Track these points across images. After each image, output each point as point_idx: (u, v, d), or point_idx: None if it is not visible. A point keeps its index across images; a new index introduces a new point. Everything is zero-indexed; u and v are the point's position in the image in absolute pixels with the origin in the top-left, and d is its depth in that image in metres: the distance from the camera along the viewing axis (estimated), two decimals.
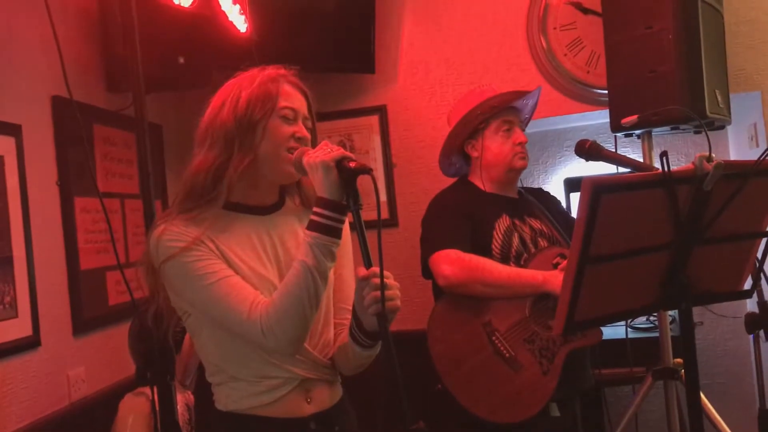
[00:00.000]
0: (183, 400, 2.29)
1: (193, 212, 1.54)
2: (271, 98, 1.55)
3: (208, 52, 2.81)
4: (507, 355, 2.23)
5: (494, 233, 2.36)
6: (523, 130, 2.52)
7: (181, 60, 2.75)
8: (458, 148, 2.55)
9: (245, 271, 1.53)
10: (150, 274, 1.57)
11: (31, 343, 2.31)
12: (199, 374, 2.41)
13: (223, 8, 2.77)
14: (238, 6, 2.84)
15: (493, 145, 2.46)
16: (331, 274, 1.62)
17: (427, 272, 2.39)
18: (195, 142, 1.61)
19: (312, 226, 1.45)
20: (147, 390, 2.11)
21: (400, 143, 3.40)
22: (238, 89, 1.58)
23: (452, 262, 2.26)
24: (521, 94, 2.49)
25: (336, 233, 1.45)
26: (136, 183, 1.98)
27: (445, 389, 2.23)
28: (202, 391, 2.37)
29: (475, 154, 2.50)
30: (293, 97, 1.60)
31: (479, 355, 2.24)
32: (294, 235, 1.62)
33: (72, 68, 2.58)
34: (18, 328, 2.25)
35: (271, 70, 1.61)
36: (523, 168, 2.49)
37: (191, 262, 1.49)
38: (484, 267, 2.26)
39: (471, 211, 2.39)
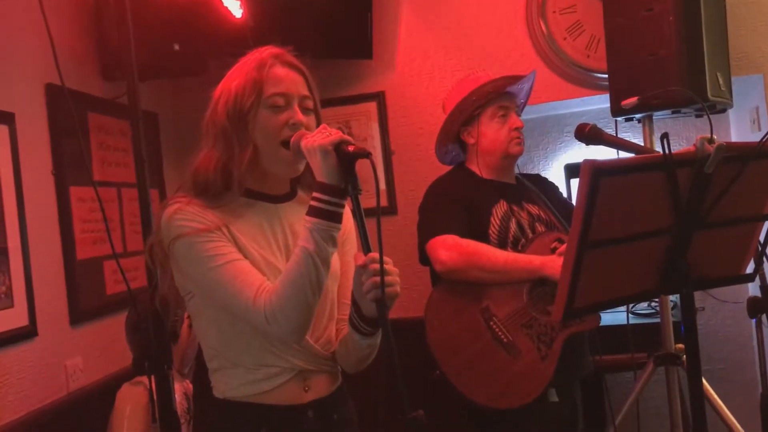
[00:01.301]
0: (181, 389, 2.28)
1: (211, 203, 1.52)
2: (256, 88, 1.51)
3: (204, 38, 2.79)
4: (505, 340, 2.22)
5: (491, 219, 2.34)
6: (519, 115, 2.51)
7: (176, 47, 2.73)
8: (454, 136, 2.54)
9: (255, 257, 1.51)
10: (159, 253, 1.54)
11: (28, 333, 2.30)
12: (197, 363, 2.40)
13: None
14: None
15: (489, 131, 2.44)
16: (337, 269, 1.62)
17: (424, 258, 2.38)
18: (201, 133, 1.59)
19: (312, 212, 1.43)
20: (144, 379, 2.11)
21: (399, 130, 3.38)
22: (230, 80, 1.56)
23: (449, 248, 2.25)
24: (516, 79, 2.47)
25: (336, 218, 1.43)
26: (132, 172, 1.96)
27: (444, 376, 2.22)
28: (201, 379, 2.37)
29: (471, 140, 2.49)
30: (284, 81, 1.54)
31: (477, 342, 2.23)
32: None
33: (66, 56, 2.56)
34: (14, 318, 2.25)
35: (260, 53, 1.56)
36: (520, 153, 2.47)
37: (201, 243, 1.47)
38: (481, 252, 2.24)
39: (468, 197, 2.38)
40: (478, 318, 2.25)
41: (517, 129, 2.44)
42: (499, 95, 2.45)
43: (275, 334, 1.47)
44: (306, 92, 1.58)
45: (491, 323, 2.24)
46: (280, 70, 1.55)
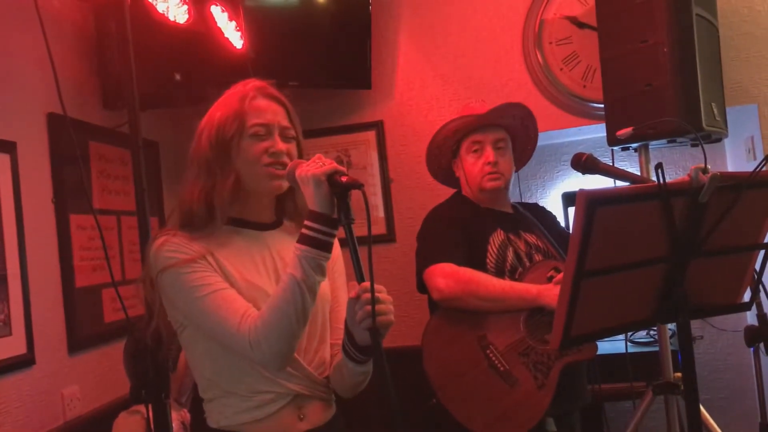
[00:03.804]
0: (178, 418, 2.27)
1: (196, 233, 1.55)
2: (238, 118, 1.55)
3: (204, 68, 2.82)
4: (502, 369, 2.22)
5: (488, 247, 2.35)
6: (505, 147, 2.49)
7: (177, 77, 2.76)
8: (446, 165, 2.58)
9: (241, 284, 1.52)
10: (149, 287, 1.56)
11: (26, 361, 2.30)
12: (195, 392, 2.39)
13: (218, 25, 2.78)
14: (234, 22, 2.85)
15: (466, 165, 2.48)
16: (327, 292, 1.63)
17: (422, 286, 2.38)
18: (186, 166, 1.62)
19: (302, 240, 1.44)
20: (142, 408, 2.09)
21: (397, 158, 3.40)
22: (213, 113, 1.60)
23: (447, 276, 2.26)
24: (479, 119, 2.45)
25: (326, 247, 1.44)
26: (132, 200, 1.97)
27: (440, 404, 2.20)
28: (199, 408, 2.36)
29: (458, 173, 2.53)
30: (264, 112, 1.58)
31: (474, 370, 2.23)
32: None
33: (68, 85, 2.59)
34: (12, 346, 2.24)
35: (243, 86, 1.60)
36: (494, 189, 2.44)
37: (187, 273, 1.49)
38: (478, 280, 2.25)
39: (466, 225, 2.39)
40: (475, 346, 2.25)
41: (489, 164, 2.42)
42: (473, 130, 2.45)
43: (259, 361, 1.47)
44: (286, 123, 1.61)
45: (488, 351, 2.24)
46: (262, 102, 1.59)
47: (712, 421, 2.46)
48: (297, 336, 1.46)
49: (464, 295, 2.24)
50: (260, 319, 1.44)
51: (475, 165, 2.45)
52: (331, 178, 1.41)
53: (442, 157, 2.56)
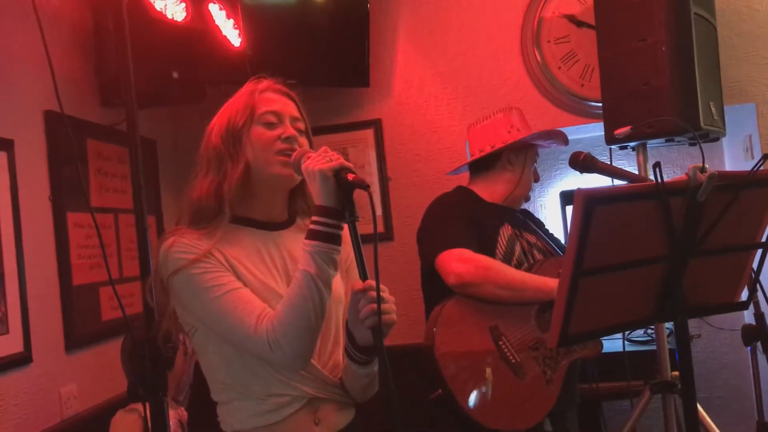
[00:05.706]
0: (176, 416, 2.26)
1: (204, 229, 1.54)
2: (248, 108, 1.57)
3: (202, 66, 2.82)
4: (513, 360, 2.20)
5: (498, 239, 2.35)
6: None
7: (175, 75, 2.76)
8: (498, 155, 2.52)
9: (254, 283, 1.51)
10: (159, 289, 1.55)
11: (23, 359, 2.29)
12: (193, 391, 2.39)
13: (217, 23, 2.78)
14: (231, 20, 2.84)
15: (528, 172, 2.54)
16: (342, 294, 1.62)
17: (426, 281, 2.36)
18: (196, 164, 1.63)
19: (311, 235, 1.43)
20: (139, 406, 2.09)
21: (395, 157, 3.40)
22: (223, 111, 1.62)
23: (466, 261, 2.21)
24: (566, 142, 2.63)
25: (336, 240, 1.43)
26: (130, 198, 1.96)
27: (448, 393, 2.15)
28: (196, 407, 2.36)
29: (509, 168, 2.51)
30: (275, 102, 1.60)
31: (486, 359, 2.19)
32: None
33: (65, 83, 2.59)
34: (9, 344, 2.23)
35: (251, 85, 1.62)
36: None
37: (199, 274, 1.47)
38: (498, 268, 2.23)
39: (474, 215, 2.37)
40: (488, 337, 2.22)
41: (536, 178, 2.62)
42: (540, 145, 2.62)
43: (279, 362, 1.45)
44: (297, 114, 1.62)
45: (500, 342, 2.21)
46: (272, 95, 1.61)
47: (709, 420, 2.46)
48: (317, 332, 1.45)
49: (483, 281, 2.20)
50: (277, 318, 1.43)
51: (533, 177, 2.59)
52: (338, 174, 1.41)
53: (510, 149, 2.52)
